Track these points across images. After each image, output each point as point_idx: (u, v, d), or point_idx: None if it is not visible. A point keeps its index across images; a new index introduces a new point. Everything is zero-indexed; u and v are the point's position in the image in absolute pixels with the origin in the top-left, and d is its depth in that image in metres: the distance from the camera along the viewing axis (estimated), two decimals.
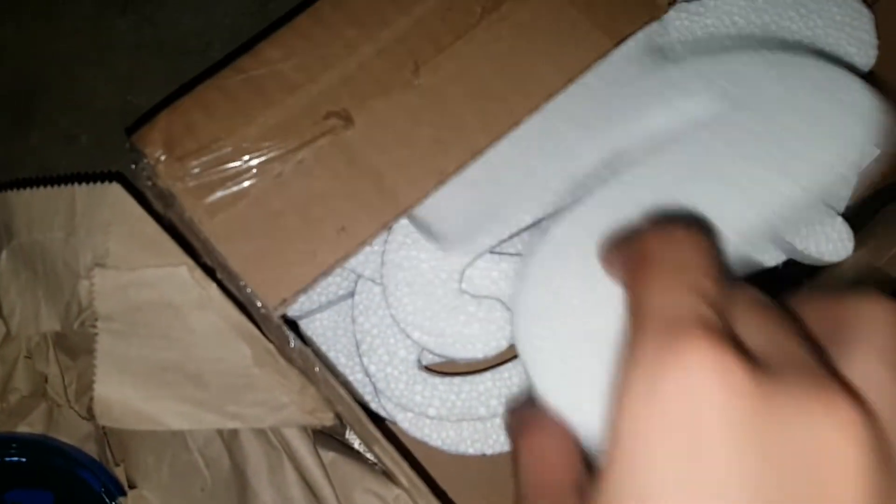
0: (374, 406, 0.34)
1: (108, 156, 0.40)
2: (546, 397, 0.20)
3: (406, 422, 0.33)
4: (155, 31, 0.44)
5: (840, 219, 0.30)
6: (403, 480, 0.25)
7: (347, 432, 0.34)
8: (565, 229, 0.22)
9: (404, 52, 0.28)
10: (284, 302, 0.26)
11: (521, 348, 0.21)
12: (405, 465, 0.25)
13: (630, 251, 0.19)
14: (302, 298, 0.32)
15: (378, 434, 0.25)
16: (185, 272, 0.25)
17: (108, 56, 0.44)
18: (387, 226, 0.27)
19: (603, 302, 0.20)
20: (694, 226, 0.18)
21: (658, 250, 0.17)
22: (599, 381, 0.18)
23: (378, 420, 0.35)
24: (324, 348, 0.34)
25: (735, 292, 0.17)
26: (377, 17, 0.28)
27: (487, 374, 0.32)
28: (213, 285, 0.25)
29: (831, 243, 0.30)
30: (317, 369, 0.25)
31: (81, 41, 0.44)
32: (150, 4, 0.44)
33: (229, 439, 0.31)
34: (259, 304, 0.26)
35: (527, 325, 0.21)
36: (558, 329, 0.21)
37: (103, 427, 0.33)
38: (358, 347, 0.32)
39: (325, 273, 0.26)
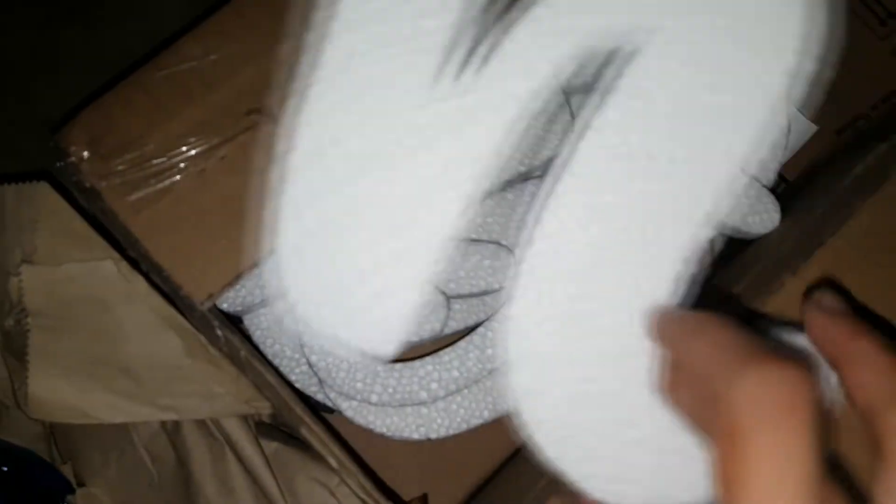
0: (320, 397, 0.34)
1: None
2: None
3: (350, 410, 0.33)
4: (100, 39, 0.45)
5: (766, 191, 0.31)
6: (333, 462, 0.26)
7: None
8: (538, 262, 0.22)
9: None
10: (211, 297, 0.26)
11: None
12: (334, 447, 0.26)
13: (718, 410, 0.17)
14: (244, 293, 0.33)
15: (305, 416, 0.25)
16: (110, 266, 0.26)
17: (56, 64, 0.44)
18: None
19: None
20: (799, 373, 0.17)
21: (757, 427, 0.16)
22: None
23: (327, 411, 0.35)
24: (269, 342, 0.34)
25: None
26: (297, 12, 0.29)
27: (428, 359, 0.33)
28: (140, 279, 0.26)
29: (758, 214, 0.30)
30: (242, 354, 0.26)
31: (29, 50, 0.45)
32: (96, 12, 0.45)
33: (173, 433, 0.31)
34: (185, 298, 0.26)
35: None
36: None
37: (51, 427, 0.33)
38: (299, 340, 0.33)
39: (251, 268, 0.27)
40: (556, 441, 0.21)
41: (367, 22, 0.23)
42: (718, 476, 0.17)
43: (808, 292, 0.25)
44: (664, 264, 0.22)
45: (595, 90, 0.24)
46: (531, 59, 0.23)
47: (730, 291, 0.27)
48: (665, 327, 0.21)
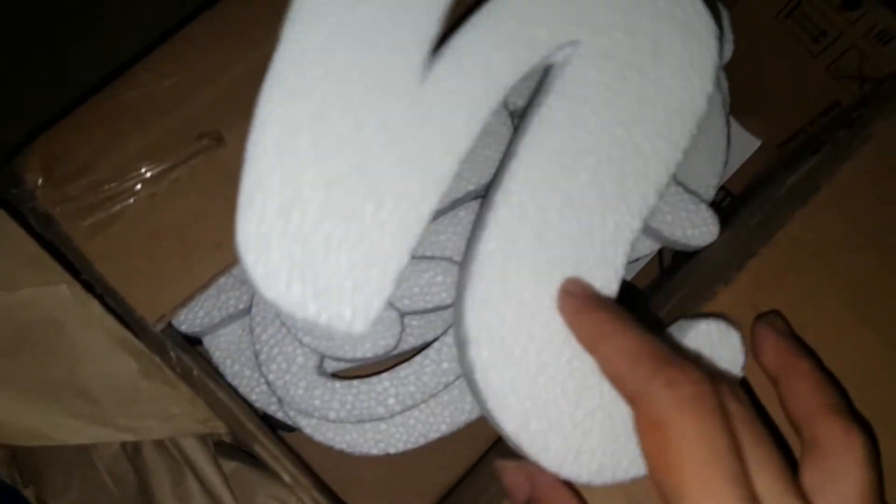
0: (280, 416, 0.35)
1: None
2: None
3: (309, 427, 0.34)
4: (63, 66, 0.46)
5: (705, 205, 0.32)
6: (286, 477, 0.26)
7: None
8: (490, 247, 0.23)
9: None
10: (163, 318, 0.27)
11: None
12: (287, 462, 0.26)
13: (640, 409, 0.20)
14: (202, 314, 0.33)
15: (258, 433, 0.26)
16: (65, 290, 0.26)
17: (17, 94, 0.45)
18: None
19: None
20: (696, 372, 0.19)
21: (680, 417, 0.18)
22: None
23: (287, 430, 0.36)
24: (228, 363, 0.35)
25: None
26: (246, 39, 0.29)
27: (384, 375, 0.33)
28: (95, 302, 0.26)
29: (697, 228, 0.31)
30: (195, 373, 0.26)
31: None
32: (51, 38, 0.46)
33: (133, 455, 0.32)
34: (138, 319, 0.27)
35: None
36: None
37: (13, 452, 0.33)
38: (257, 358, 0.33)
39: (202, 288, 0.27)
40: (515, 416, 0.22)
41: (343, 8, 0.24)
42: (654, 465, 0.19)
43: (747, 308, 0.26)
44: (601, 252, 0.24)
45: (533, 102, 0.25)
46: (480, 68, 0.24)
47: (658, 315, 0.28)
48: (581, 321, 0.22)
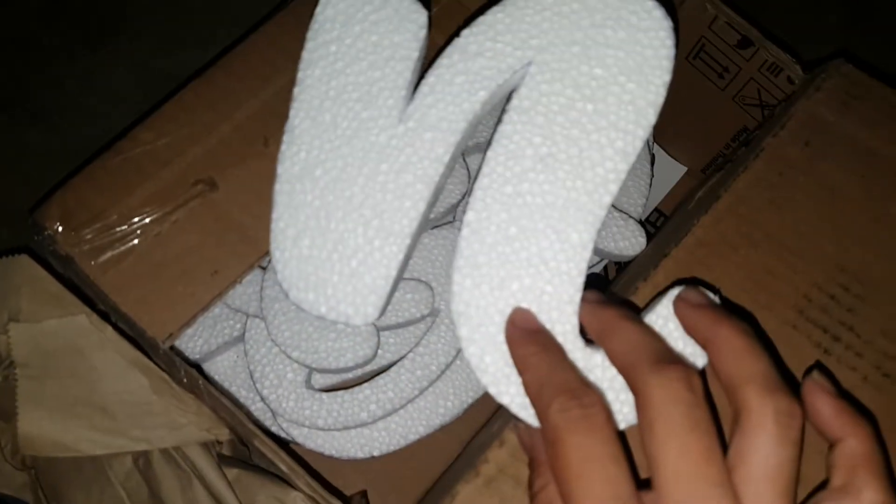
0: (274, 430, 0.39)
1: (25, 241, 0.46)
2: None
3: (301, 437, 0.38)
4: (61, 138, 0.51)
5: (633, 220, 0.37)
6: (283, 467, 0.30)
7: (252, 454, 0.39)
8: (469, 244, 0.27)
9: (256, 127, 0.34)
10: (171, 336, 0.32)
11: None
12: (283, 454, 0.30)
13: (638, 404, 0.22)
14: (201, 342, 0.38)
15: (257, 430, 0.30)
16: (84, 319, 0.31)
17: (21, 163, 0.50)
18: (251, 266, 0.33)
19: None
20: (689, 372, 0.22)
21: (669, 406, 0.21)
22: None
23: (281, 443, 0.40)
24: (225, 385, 0.39)
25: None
26: (232, 100, 0.34)
27: (366, 385, 0.38)
28: (109, 328, 0.31)
29: (627, 240, 0.36)
30: (201, 383, 0.31)
31: None
32: (55, 115, 0.51)
33: (144, 469, 0.36)
34: (149, 340, 0.31)
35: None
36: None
37: (36, 475, 0.37)
38: (252, 376, 0.37)
39: (204, 309, 0.32)
40: (497, 380, 0.26)
41: (332, 75, 0.30)
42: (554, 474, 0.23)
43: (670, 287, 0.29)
44: (567, 237, 0.27)
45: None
46: (444, 103, 0.29)
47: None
48: (514, 351, 0.26)
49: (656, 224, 0.44)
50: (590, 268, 0.41)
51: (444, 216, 0.38)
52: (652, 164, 0.39)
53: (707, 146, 0.44)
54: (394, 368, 0.38)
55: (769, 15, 0.52)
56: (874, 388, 0.28)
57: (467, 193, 0.38)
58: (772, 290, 0.30)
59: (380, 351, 0.38)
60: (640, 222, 0.38)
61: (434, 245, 0.39)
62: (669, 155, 0.45)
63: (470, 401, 0.39)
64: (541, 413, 0.23)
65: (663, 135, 0.40)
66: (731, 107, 0.41)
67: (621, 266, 0.40)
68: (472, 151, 0.39)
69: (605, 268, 0.42)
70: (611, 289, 0.34)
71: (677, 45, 0.28)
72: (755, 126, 0.40)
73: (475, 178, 0.28)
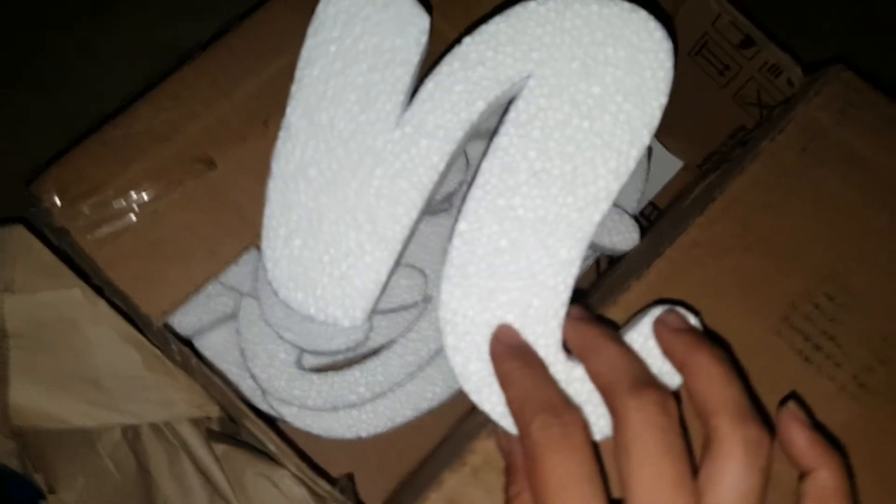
0: (264, 408, 0.39)
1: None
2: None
3: (290, 416, 0.38)
4: (58, 107, 0.51)
5: (627, 215, 0.37)
6: (272, 447, 0.31)
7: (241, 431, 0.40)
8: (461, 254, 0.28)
9: (257, 107, 0.34)
10: (165, 313, 0.32)
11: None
12: (273, 435, 0.31)
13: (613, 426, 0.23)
14: (193, 319, 0.38)
15: (247, 409, 0.31)
16: (78, 293, 0.31)
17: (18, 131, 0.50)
18: (247, 247, 0.33)
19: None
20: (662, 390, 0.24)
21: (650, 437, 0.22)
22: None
23: (270, 421, 0.40)
24: (216, 361, 0.39)
25: None
26: (233, 78, 0.34)
27: (356, 367, 0.38)
28: (103, 302, 0.31)
29: (621, 235, 0.37)
30: (193, 362, 0.31)
31: None
32: (53, 84, 0.51)
33: (133, 441, 0.36)
34: (143, 316, 0.31)
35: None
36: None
37: (23, 442, 0.37)
38: (243, 355, 0.38)
39: (198, 289, 0.32)
40: (480, 389, 0.27)
41: (330, 75, 0.30)
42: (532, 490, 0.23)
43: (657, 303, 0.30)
44: (556, 253, 0.28)
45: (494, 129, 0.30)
46: (441, 110, 0.29)
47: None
48: (497, 366, 0.27)
49: (650, 217, 0.44)
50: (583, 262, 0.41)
51: (440, 204, 0.38)
52: (649, 157, 0.39)
53: (704, 142, 0.44)
54: (384, 352, 0.38)
55: (772, 13, 0.52)
56: (851, 397, 0.29)
57: (465, 182, 0.38)
58: (760, 295, 0.31)
59: (371, 333, 0.38)
60: (635, 216, 0.39)
61: (430, 232, 0.39)
62: (666, 148, 0.46)
63: (458, 387, 0.39)
64: (522, 428, 0.24)
65: (661, 129, 0.40)
66: (730, 105, 0.41)
67: (613, 260, 0.40)
68: (472, 138, 0.39)
69: (598, 260, 0.43)
70: (592, 296, 0.34)
71: (676, 66, 0.28)
72: (753, 125, 0.40)
73: (469, 188, 0.28)
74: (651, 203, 0.45)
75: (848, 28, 0.60)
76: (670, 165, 0.45)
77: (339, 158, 0.30)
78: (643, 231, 0.37)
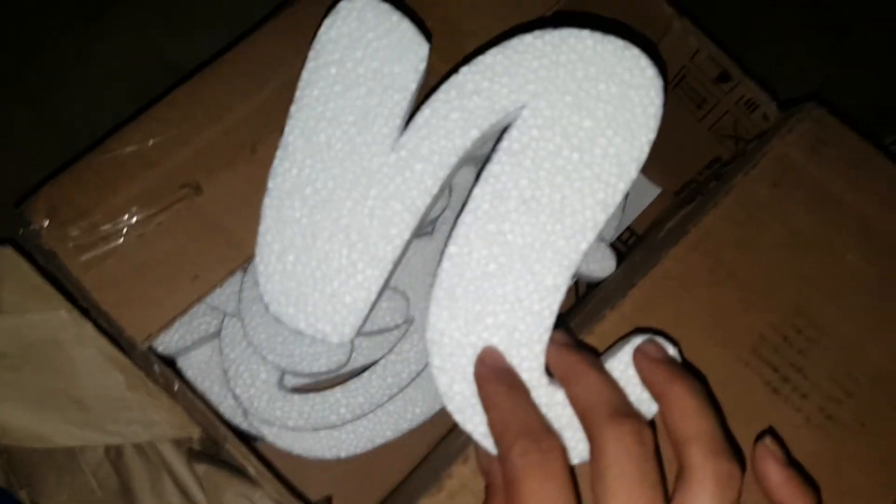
0: (244, 427, 0.40)
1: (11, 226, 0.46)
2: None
3: (271, 435, 0.39)
4: (50, 115, 0.51)
5: (604, 244, 0.38)
6: (252, 470, 0.31)
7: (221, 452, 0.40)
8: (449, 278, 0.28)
9: (245, 133, 0.35)
10: (149, 336, 0.32)
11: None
12: (252, 458, 0.31)
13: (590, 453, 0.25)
14: (177, 338, 0.39)
15: (228, 434, 0.31)
16: (65, 314, 0.31)
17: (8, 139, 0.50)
18: (233, 272, 0.33)
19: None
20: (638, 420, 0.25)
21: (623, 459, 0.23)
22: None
23: (251, 440, 0.41)
24: (199, 380, 0.40)
25: None
26: (222, 103, 0.35)
27: (337, 388, 0.39)
28: (89, 324, 0.31)
29: (598, 263, 0.38)
30: (176, 385, 0.31)
31: None
32: (45, 93, 0.51)
33: (116, 460, 0.36)
34: (128, 338, 0.32)
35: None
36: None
37: (8, 459, 0.38)
38: (226, 374, 0.38)
39: (182, 313, 0.33)
40: (463, 409, 0.28)
41: (330, 97, 0.31)
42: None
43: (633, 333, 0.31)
44: (542, 279, 0.28)
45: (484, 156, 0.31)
46: (437, 136, 0.30)
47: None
48: (481, 389, 0.27)
49: (627, 243, 0.45)
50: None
51: (423, 228, 0.39)
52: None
53: (682, 171, 0.45)
54: (366, 374, 0.39)
55: (756, 45, 0.53)
56: (816, 428, 0.30)
57: (446, 207, 0.39)
58: (730, 327, 0.32)
59: (353, 355, 0.39)
60: (612, 242, 0.40)
61: (412, 254, 0.39)
62: (645, 176, 0.47)
63: (438, 407, 0.40)
64: (503, 452, 0.25)
65: None
66: (706, 136, 0.42)
67: (590, 286, 0.41)
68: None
69: (576, 284, 0.44)
70: (572, 318, 0.35)
71: (666, 103, 0.29)
72: (729, 157, 0.42)
73: (460, 212, 0.29)
74: (629, 228, 0.46)
75: (832, 58, 0.61)
76: (648, 192, 0.46)
77: (334, 178, 0.30)
78: (620, 257, 0.38)
